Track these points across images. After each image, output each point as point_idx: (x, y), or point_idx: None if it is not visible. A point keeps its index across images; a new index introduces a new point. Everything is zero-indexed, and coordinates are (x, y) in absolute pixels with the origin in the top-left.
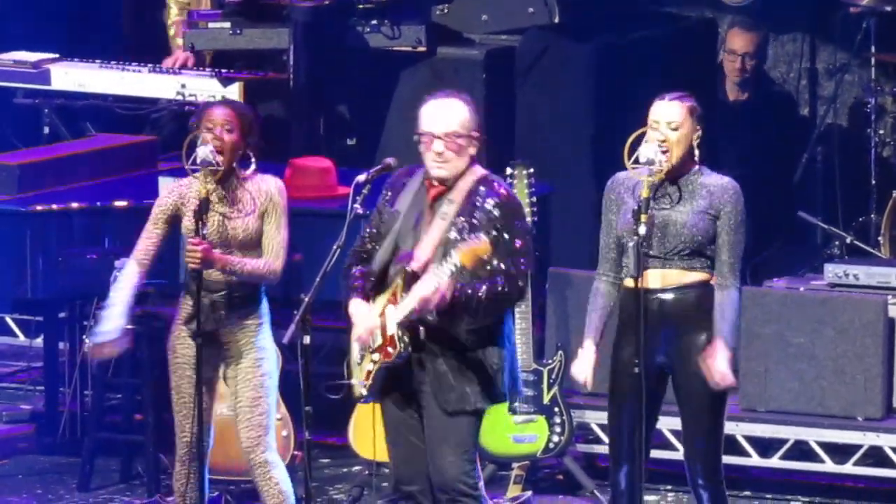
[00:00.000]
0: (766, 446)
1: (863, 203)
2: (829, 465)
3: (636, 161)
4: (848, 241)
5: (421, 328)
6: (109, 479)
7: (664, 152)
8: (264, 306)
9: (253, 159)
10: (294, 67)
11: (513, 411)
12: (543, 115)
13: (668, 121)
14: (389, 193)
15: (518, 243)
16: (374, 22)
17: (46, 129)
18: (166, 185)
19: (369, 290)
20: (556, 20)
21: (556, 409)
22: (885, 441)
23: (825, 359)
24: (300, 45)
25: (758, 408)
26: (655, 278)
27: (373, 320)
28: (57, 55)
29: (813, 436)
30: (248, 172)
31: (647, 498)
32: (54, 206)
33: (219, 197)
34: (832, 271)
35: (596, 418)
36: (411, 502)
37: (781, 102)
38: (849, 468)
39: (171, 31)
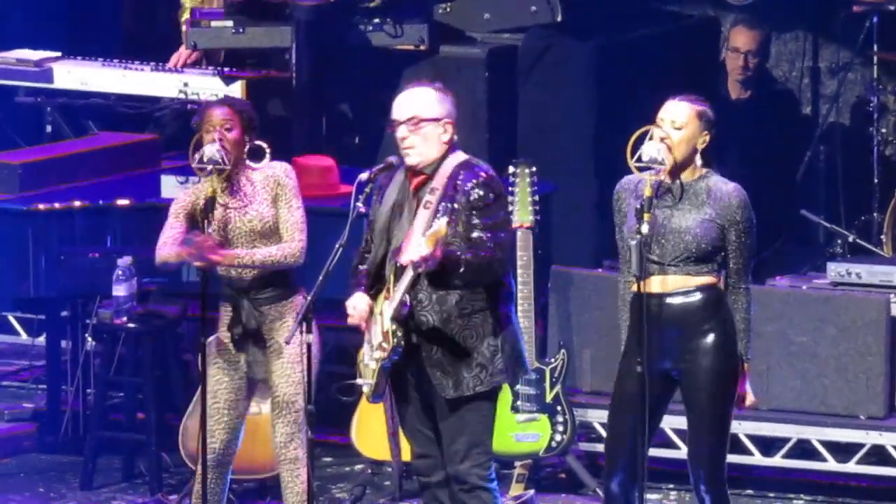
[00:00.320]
0: (768, 445)
1: (865, 202)
2: (831, 464)
3: (639, 159)
4: (850, 239)
5: (413, 323)
6: (111, 477)
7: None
8: (299, 301)
9: (267, 150)
10: (296, 66)
11: (515, 410)
12: (546, 114)
13: (673, 119)
14: (378, 191)
15: (496, 218)
16: (376, 20)
17: (49, 128)
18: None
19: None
20: (559, 19)
21: (559, 408)
22: (887, 440)
23: (827, 357)
24: (302, 44)
25: (760, 406)
26: (661, 283)
27: (360, 302)
28: (59, 54)
29: (815, 434)
30: (259, 165)
31: (648, 496)
32: (56, 205)
33: (228, 193)
34: (834, 270)
35: (598, 417)
36: (428, 493)
37: (784, 101)
38: (851, 467)
39: (184, 30)
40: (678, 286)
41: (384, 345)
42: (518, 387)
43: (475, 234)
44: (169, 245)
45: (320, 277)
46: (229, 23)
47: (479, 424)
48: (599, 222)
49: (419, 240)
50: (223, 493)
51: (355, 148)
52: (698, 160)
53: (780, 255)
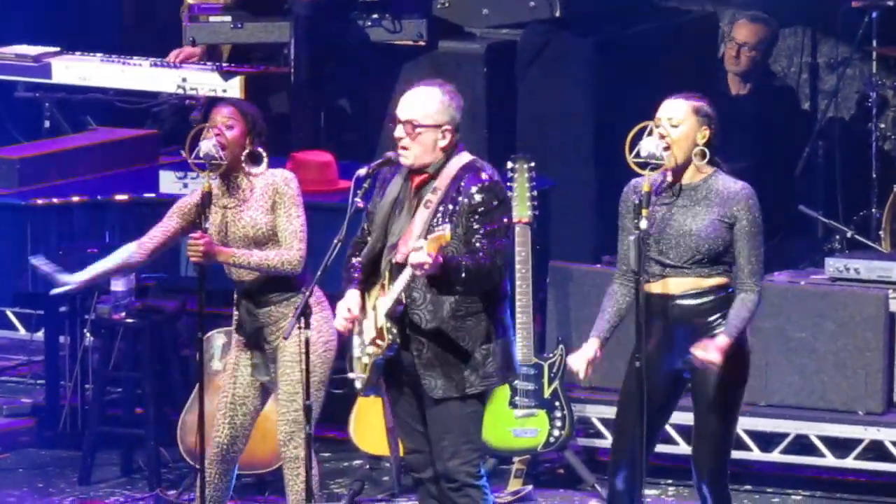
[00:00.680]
0: (766, 440)
1: (864, 197)
2: (829, 460)
3: (637, 155)
4: (849, 235)
5: (407, 318)
6: (110, 472)
7: (665, 149)
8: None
9: (265, 157)
10: (295, 61)
11: (513, 405)
12: (544, 110)
13: (670, 117)
14: (380, 185)
15: (497, 224)
16: (375, 16)
17: (47, 123)
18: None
19: (364, 281)
20: (558, 14)
21: (557, 404)
22: (885, 435)
23: (826, 353)
24: (301, 39)
25: (759, 402)
26: (673, 285)
27: (350, 304)
28: (58, 49)
29: (814, 430)
30: (259, 171)
31: (647, 492)
32: (55, 200)
33: (224, 192)
34: (833, 265)
35: (597, 412)
36: (422, 489)
37: (782, 96)
38: (850, 462)
39: (185, 26)
40: (691, 288)
41: (379, 341)
42: (516, 382)
43: (475, 240)
44: (143, 242)
45: (318, 273)
46: (228, 18)
47: (468, 422)
48: (598, 218)
49: (421, 242)
50: (227, 490)
51: (354, 143)
52: (698, 153)
53: (778, 251)
